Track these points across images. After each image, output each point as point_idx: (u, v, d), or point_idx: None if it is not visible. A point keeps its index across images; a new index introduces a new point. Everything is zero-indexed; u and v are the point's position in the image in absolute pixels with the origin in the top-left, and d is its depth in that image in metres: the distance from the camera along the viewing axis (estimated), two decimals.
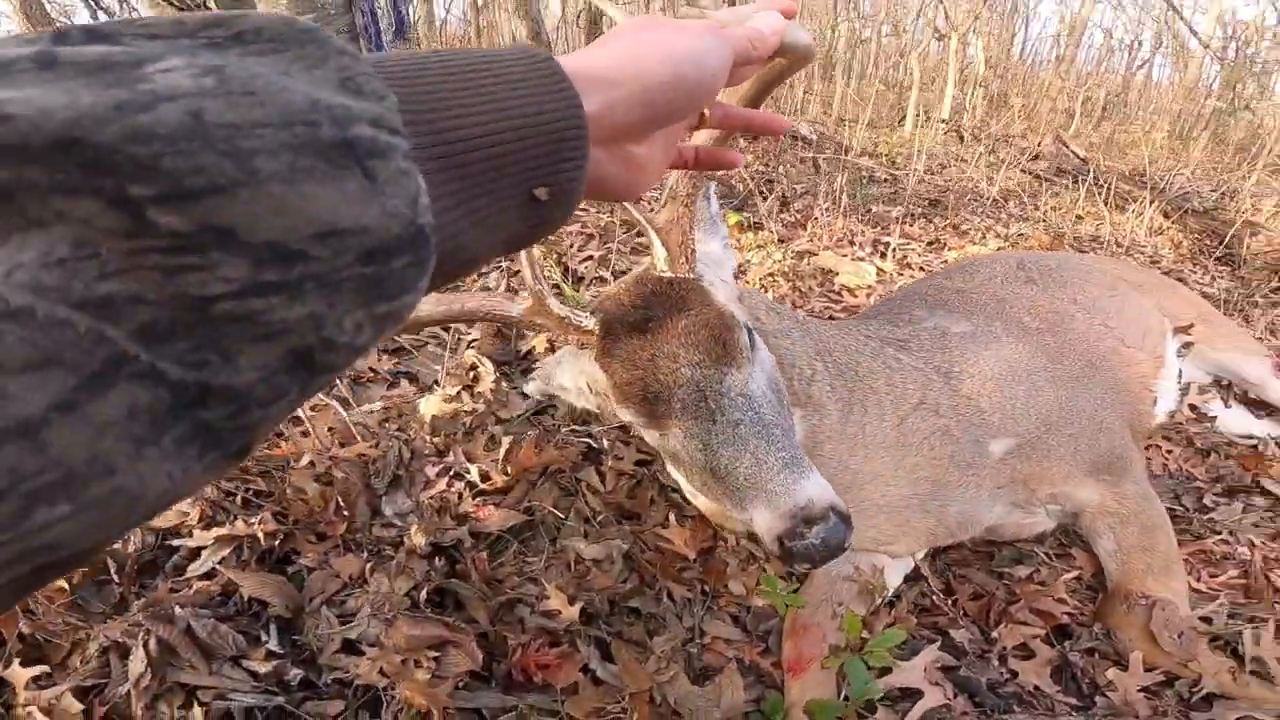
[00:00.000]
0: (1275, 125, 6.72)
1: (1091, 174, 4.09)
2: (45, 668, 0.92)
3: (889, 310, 1.44)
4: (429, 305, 0.96)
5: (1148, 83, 10.06)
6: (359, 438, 1.41)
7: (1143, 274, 1.85)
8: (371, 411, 1.54)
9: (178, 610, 1.01)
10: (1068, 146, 5.14)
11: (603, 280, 2.16)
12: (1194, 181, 4.73)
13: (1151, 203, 3.63)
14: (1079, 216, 3.76)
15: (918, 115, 6.38)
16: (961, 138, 6.20)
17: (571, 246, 2.42)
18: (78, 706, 0.87)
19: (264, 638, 1.02)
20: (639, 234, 2.69)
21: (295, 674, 0.98)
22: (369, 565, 1.15)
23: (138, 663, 0.91)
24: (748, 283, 2.24)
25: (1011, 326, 1.31)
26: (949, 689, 1.05)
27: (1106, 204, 3.79)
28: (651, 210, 0.94)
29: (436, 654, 1.02)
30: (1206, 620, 1.24)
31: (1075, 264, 1.70)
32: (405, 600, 1.10)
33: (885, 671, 1.05)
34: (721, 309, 0.90)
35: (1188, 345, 1.71)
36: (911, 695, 1.04)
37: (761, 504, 0.79)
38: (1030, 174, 4.84)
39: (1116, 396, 1.33)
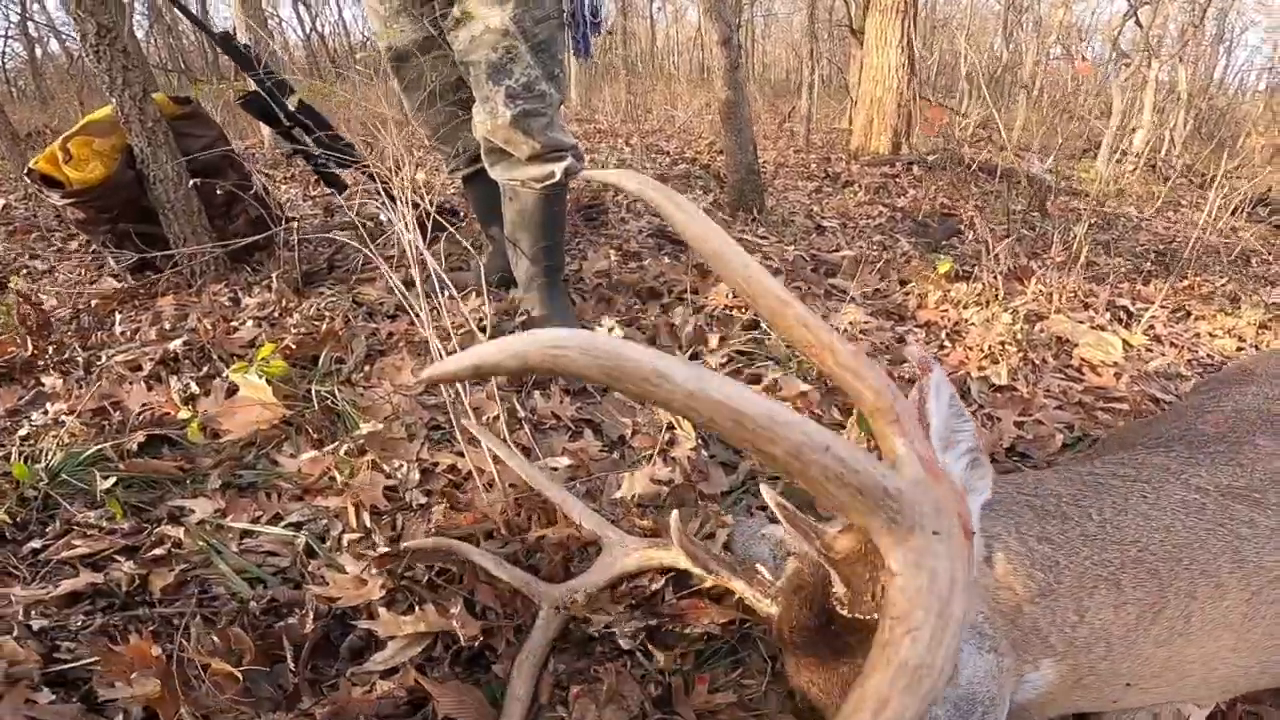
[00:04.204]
0: None
1: None
2: None
3: (1217, 434, 1.09)
4: None
5: None
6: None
7: None
8: (556, 467, 1.35)
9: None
10: None
11: None
12: None
13: None
14: None
15: (1113, 150, 5.67)
16: (1166, 178, 5.45)
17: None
18: None
19: None
20: (830, 274, 2.40)
21: None
22: (572, 692, 0.94)
23: None
24: (970, 349, 1.90)
25: None
26: None
27: None
28: (825, 529, 0.71)
29: None
30: None
31: None
32: None
33: None
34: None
35: None
36: None
37: None
38: (1264, 222, 4.12)
39: None
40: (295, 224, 2.07)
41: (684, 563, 0.97)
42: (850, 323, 1.90)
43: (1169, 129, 7.06)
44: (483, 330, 1.58)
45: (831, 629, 0.76)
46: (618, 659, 0.98)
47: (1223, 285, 2.88)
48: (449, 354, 1.12)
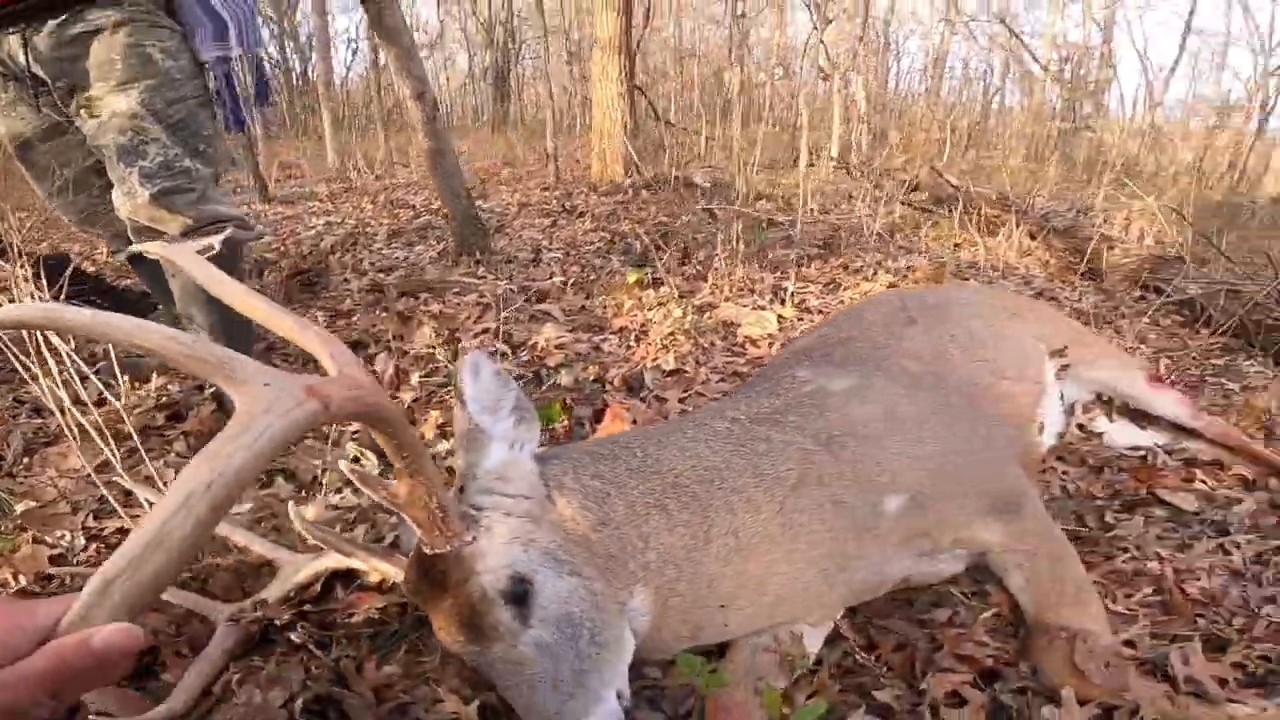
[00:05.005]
0: (1114, 142, 7.53)
1: (962, 202, 4.40)
2: None
3: (773, 374, 1.42)
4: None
5: (1002, 109, 11.05)
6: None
7: (1017, 300, 1.96)
8: (239, 515, 1.43)
9: None
10: (942, 176, 5.53)
11: (503, 354, 2.11)
12: (1050, 202, 5.16)
13: (1017, 225, 3.92)
14: (956, 244, 4.02)
15: (811, 155, 6.74)
16: (850, 174, 6.58)
17: (468, 318, 2.37)
18: None
19: None
20: (539, 299, 2.67)
21: None
22: (235, 678, 1.05)
23: None
24: (650, 344, 2.24)
25: (893, 375, 1.33)
26: None
27: (979, 230, 4.07)
28: (388, 482, 0.90)
29: None
30: (1130, 644, 1.23)
31: (955, 297, 1.78)
32: (283, 712, 0.99)
33: None
34: (472, 593, 0.89)
35: (1065, 367, 1.80)
36: None
37: None
38: (912, 206, 5.15)
39: (1002, 432, 1.37)
40: None
41: (348, 562, 1.12)
42: (546, 339, 2.15)
43: (854, 135, 8.48)
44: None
45: (431, 574, 0.92)
46: (295, 654, 1.09)
47: (869, 259, 3.61)
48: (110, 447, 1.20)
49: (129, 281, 2.40)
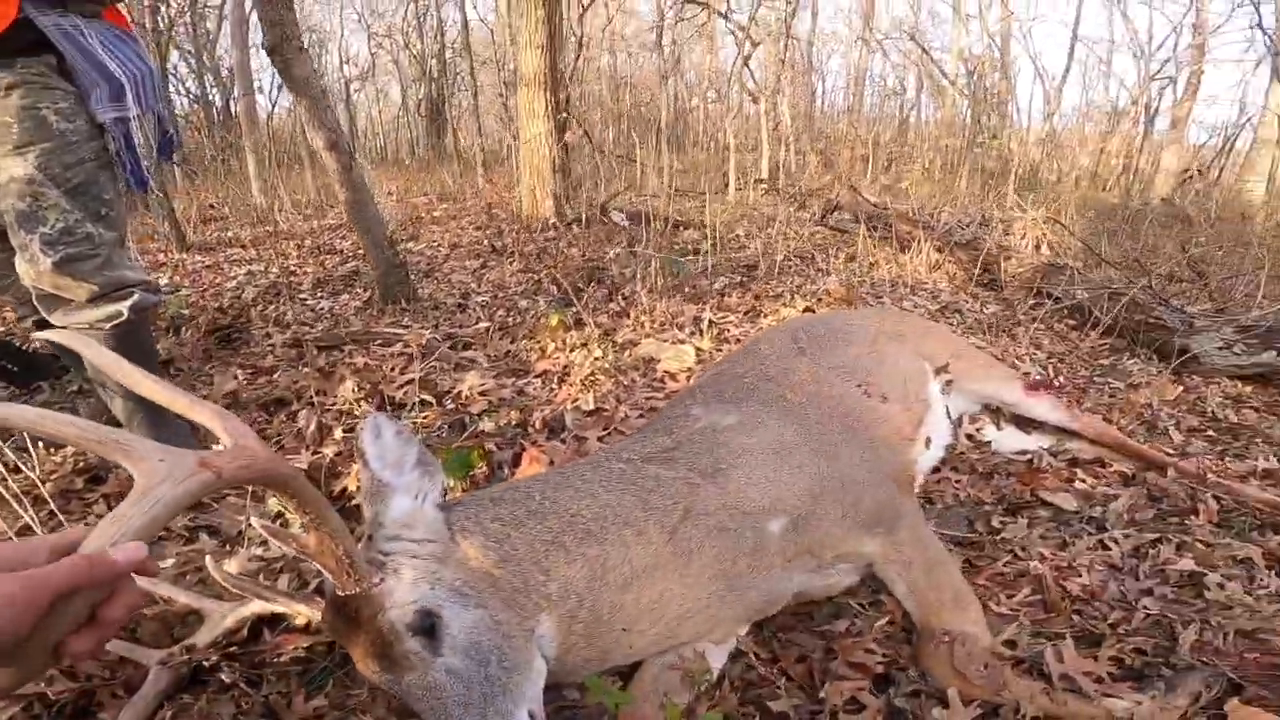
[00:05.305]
0: (1018, 150, 8.06)
1: (882, 220, 4.64)
2: None
3: (670, 413, 1.52)
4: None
5: (919, 122, 11.60)
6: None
7: (903, 323, 2.11)
8: (165, 569, 1.45)
9: None
10: (860, 195, 5.82)
11: (426, 403, 2.16)
12: (957, 214, 5.47)
13: (925, 241, 4.17)
14: (872, 263, 4.23)
15: (739, 178, 6.98)
16: (778, 195, 6.83)
17: (392, 369, 2.41)
18: None
19: None
20: (464, 346, 2.73)
21: None
22: (168, 715, 1.11)
23: None
24: (571, 385, 2.32)
25: (774, 408, 1.45)
26: None
27: (893, 247, 4.30)
28: (298, 534, 0.98)
29: None
30: (1010, 644, 1.29)
31: (841, 327, 1.92)
32: None
33: None
34: (382, 627, 0.98)
35: (949, 383, 1.96)
36: None
37: None
38: (830, 228, 5.38)
39: (876, 454, 1.49)
40: None
41: (272, 607, 1.19)
42: (470, 387, 2.21)
43: (782, 155, 8.82)
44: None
45: (344, 612, 0.99)
46: (225, 692, 1.15)
47: (789, 283, 3.78)
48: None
49: (36, 345, 2.35)
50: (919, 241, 4.21)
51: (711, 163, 9.72)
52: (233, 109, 13.67)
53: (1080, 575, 1.50)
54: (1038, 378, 2.63)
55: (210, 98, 14.62)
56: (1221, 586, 1.44)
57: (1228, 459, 2.06)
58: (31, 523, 1.40)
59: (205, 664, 1.20)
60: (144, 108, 1.76)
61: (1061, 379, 2.73)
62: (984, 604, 1.39)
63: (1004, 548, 1.62)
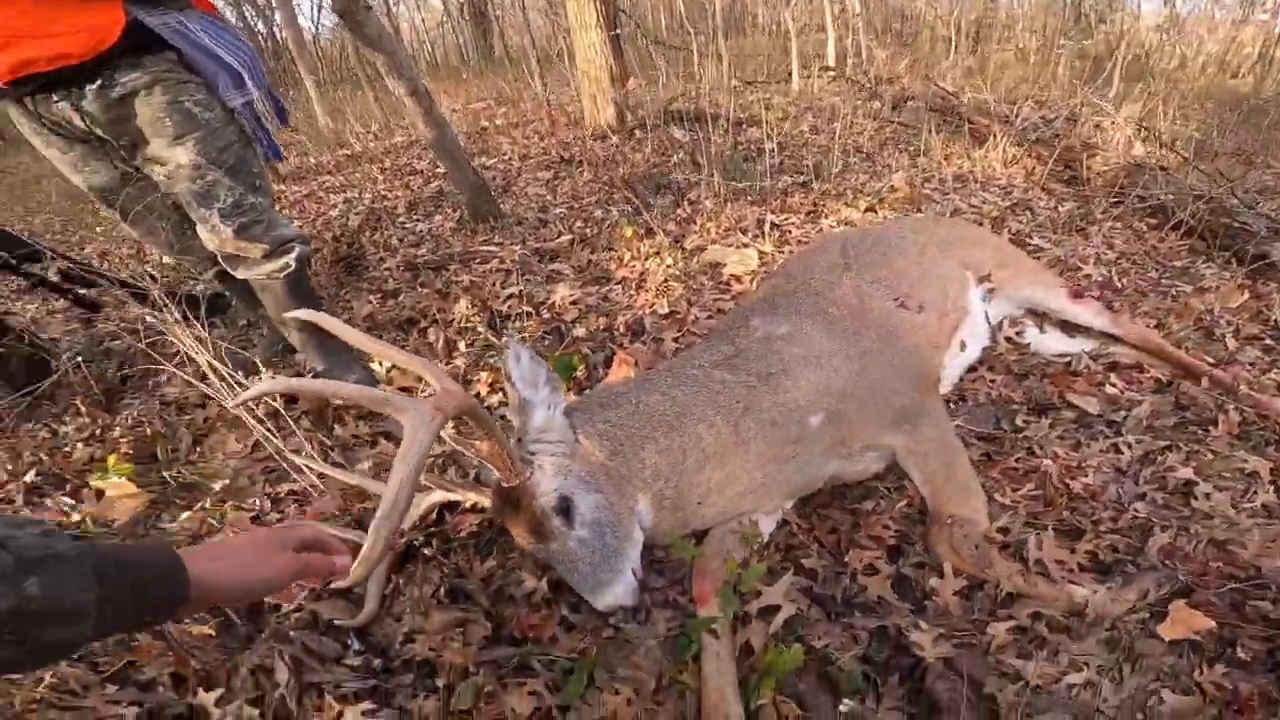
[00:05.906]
0: (1129, 32, 7.19)
1: (955, 113, 4.47)
2: (222, 689, 1.23)
3: (733, 323, 1.75)
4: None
5: (1009, 2, 10.43)
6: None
7: (953, 232, 2.20)
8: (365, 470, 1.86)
9: (292, 633, 1.37)
10: (937, 84, 5.54)
11: (527, 314, 2.47)
12: (1041, 109, 5.12)
13: (1003, 136, 4.03)
14: (945, 156, 4.14)
15: (804, 66, 6.68)
16: (848, 83, 6.54)
17: (494, 285, 2.71)
18: (252, 712, 1.21)
19: (350, 642, 1.39)
20: (551, 259, 3.00)
21: (378, 663, 1.35)
22: (399, 581, 1.51)
23: (282, 671, 1.27)
24: (647, 291, 2.57)
25: (819, 320, 1.66)
26: (804, 603, 1.38)
27: (965, 143, 4.17)
28: (476, 443, 1.29)
29: (461, 630, 1.37)
30: (1005, 530, 1.44)
31: (890, 239, 2.04)
32: (432, 600, 1.46)
33: (757, 595, 1.38)
34: (536, 509, 1.31)
35: (991, 291, 2.09)
36: (775, 610, 1.37)
37: (589, 596, 1.33)
38: (899, 123, 5.17)
39: (906, 359, 1.69)
40: (70, 356, 2.32)
41: (450, 496, 1.56)
42: (561, 297, 2.50)
43: (850, 39, 8.23)
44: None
45: (508, 500, 1.35)
46: (430, 561, 1.56)
47: (853, 182, 3.77)
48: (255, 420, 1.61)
49: (201, 287, 2.68)
50: (995, 137, 4.07)
51: (775, 44, 9.18)
52: (278, 35, 13.67)
53: (1086, 475, 1.59)
54: (1097, 279, 2.64)
55: (253, 26, 14.57)
56: (1208, 497, 1.50)
57: (1277, 369, 2.02)
58: (272, 436, 1.76)
59: (415, 543, 1.58)
60: (258, 86, 1.94)
61: (1124, 281, 2.72)
62: (990, 495, 1.55)
63: (1023, 445, 1.72)
